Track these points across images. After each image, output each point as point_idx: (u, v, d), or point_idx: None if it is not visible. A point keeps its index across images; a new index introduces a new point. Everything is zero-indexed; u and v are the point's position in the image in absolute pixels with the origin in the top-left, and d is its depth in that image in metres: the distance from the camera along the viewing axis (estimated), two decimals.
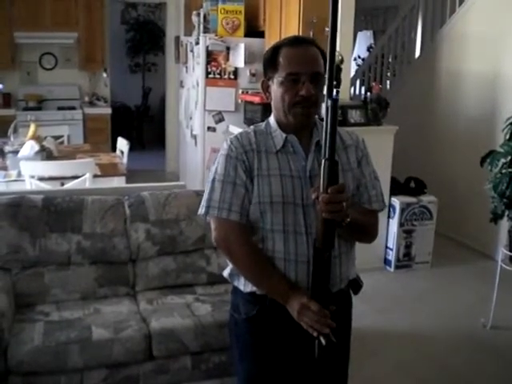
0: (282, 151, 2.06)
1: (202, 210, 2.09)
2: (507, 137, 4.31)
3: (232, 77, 6.42)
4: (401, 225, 5.42)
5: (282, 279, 2.04)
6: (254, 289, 2.10)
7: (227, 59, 6.40)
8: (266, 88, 2.12)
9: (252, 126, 2.20)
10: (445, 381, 3.73)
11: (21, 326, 3.06)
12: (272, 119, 2.14)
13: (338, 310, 2.14)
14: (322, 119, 1.95)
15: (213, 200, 2.06)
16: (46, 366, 2.89)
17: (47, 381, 2.93)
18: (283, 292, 2.01)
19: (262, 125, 2.17)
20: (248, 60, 6.28)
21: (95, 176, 4.69)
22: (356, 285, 2.22)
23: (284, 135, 2.07)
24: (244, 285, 2.14)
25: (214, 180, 2.08)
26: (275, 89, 2.05)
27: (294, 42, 2.07)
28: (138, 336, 3.04)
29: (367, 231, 2.18)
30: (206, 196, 2.09)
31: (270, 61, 2.07)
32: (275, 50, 2.07)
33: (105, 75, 8.86)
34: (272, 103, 2.11)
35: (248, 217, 2.06)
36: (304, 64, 2.00)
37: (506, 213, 4.21)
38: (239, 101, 6.40)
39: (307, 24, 5.30)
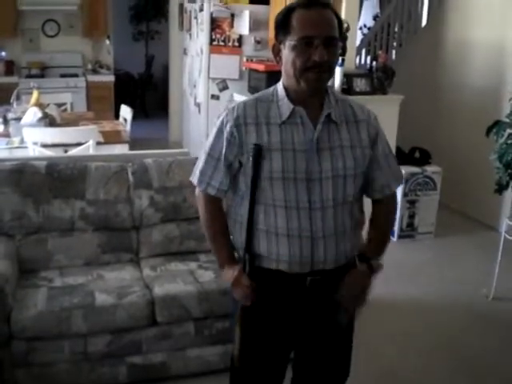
0: (287, 122, 1.98)
1: (192, 174, 2.19)
2: None
3: (236, 44, 6.37)
4: (405, 195, 5.40)
5: (226, 249, 2.16)
6: (258, 263, 2.08)
7: (232, 26, 6.34)
8: (277, 52, 2.02)
9: (256, 94, 2.13)
10: (445, 351, 3.75)
11: (24, 292, 3.07)
12: (280, 86, 2.05)
13: (342, 280, 2.15)
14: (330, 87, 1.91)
15: (197, 169, 2.14)
16: (49, 331, 2.91)
17: (50, 346, 2.95)
18: (221, 260, 2.17)
19: (269, 91, 2.09)
20: (253, 27, 6.23)
21: (98, 143, 4.66)
22: (362, 256, 2.20)
23: (291, 106, 1.99)
24: None
25: (204, 151, 2.13)
26: (287, 53, 1.95)
27: (308, 4, 1.96)
28: (142, 302, 3.05)
29: (392, 224, 2.41)
30: (196, 163, 2.17)
31: (283, 23, 1.96)
32: (288, 12, 1.96)
33: (108, 43, 8.79)
34: (282, 68, 2.02)
35: (227, 192, 2.12)
36: (318, 27, 1.91)
37: (511, 183, 4.19)
38: (243, 68, 6.35)
39: None
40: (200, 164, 2.12)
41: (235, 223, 2.11)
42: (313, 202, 1.98)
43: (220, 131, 2.05)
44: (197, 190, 2.18)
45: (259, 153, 1.94)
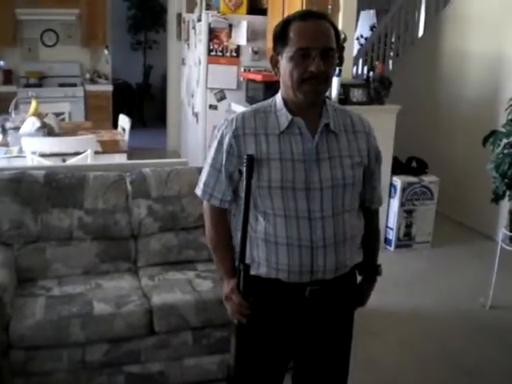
0: (285, 133, 2.00)
1: (196, 187, 2.22)
2: (510, 117, 4.28)
3: (234, 54, 6.40)
4: (402, 204, 5.42)
5: (227, 262, 2.17)
6: (257, 272, 2.10)
7: (229, 36, 6.36)
8: (274, 63, 2.04)
9: (254, 105, 2.14)
10: (444, 360, 3.75)
11: (22, 301, 3.07)
12: (279, 97, 2.06)
13: (341, 290, 2.16)
14: (329, 98, 1.93)
15: (201, 182, 2.17)
16: (47, 340, 2.91)
17: (49, 355, 2.94)
18: (221, 273, 2.20)
19: (268, 102, 2.10)
20: (250, 37, 6.25)
21: (96, 153, 4.67)
22: (362, 266, 2.23)
23: (290, 117, 2.00)
24: None
25: (206, 163, 2.15)
26: (284, 64, 1.97)
27: (306, 15, 1.98)
28: (140, 311, 3.05)
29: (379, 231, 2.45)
30: (200, 176, 2.19)
31: (280, 35, 1.98)
32: (286, 23, 1.98)
33: (106, 52, 8.83)
34: (281, 79, 2.03)
35: (230, 202, 2.13)
36: (315, 39, 1.93)
37: (507, 193, 4.20)
38: (241, 79, 6.37)
39: (310, 1, 5.26)
40: (203, 176, 2.15)
41: (237, 232, 2.11)
42: (312, 211, 1.99)
43: (220, 143, 2.07)
44: (204, 203, 2.20)
45: (252, 163, 1.96)
